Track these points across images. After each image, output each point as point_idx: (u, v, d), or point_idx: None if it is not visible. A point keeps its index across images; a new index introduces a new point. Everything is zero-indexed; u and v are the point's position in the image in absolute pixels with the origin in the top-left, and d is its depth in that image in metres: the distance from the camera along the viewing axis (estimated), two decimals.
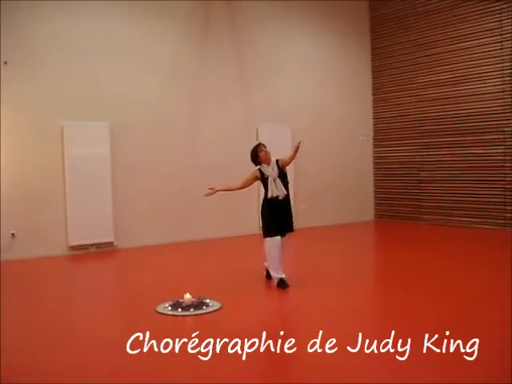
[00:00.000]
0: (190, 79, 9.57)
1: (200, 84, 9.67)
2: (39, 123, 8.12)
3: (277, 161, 5.92)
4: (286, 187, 5.95)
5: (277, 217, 5.93)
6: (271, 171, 5.86)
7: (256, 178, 5.99)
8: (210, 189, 6.01)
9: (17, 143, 7.91)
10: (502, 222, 9.84)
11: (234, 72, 10.09)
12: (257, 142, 6.18)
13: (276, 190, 5.87)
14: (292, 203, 6.14)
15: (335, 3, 11.46)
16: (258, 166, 5.94)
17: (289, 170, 9.90)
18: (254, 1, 10.31)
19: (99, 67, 8.58)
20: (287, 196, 5.97)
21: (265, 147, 5.93)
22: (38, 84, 8.11)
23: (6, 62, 7.75)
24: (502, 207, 9.84)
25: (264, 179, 5.93)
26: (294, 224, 6.08)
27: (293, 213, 6.10)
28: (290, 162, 5.98)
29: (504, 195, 9.79)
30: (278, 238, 5.89)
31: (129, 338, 4.31)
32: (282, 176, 5.94)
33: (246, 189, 6.15)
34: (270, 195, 5.89)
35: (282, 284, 5.86)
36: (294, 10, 10.84)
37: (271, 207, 5.94)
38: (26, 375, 3.59)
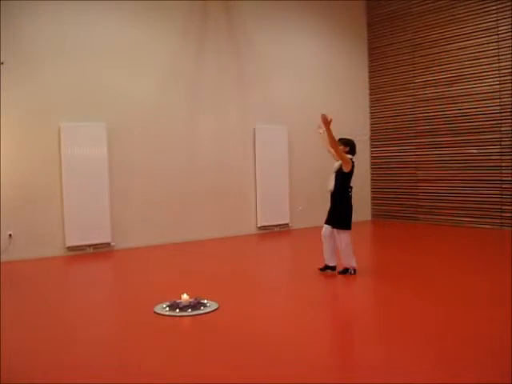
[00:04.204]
0: (187, 80, 9.57)
1: (197, 84, 9.66)
2: (36, 124, 8.10)
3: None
4: (337, 185, 6.20)
5: (329, 208, 6.40)
6: (335, 165, 6.29)
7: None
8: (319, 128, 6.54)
9: (14, 144, 7.89)
10: (499, 221, 9.86)
11: (231, 73, 10.09)
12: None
13: (328, 183, 6.30)
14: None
15: (332, 3, 11.47)
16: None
17: (284, 169, 9.98)
18: (252, 1, 10.32)
19: (96, 68, 8.57)
20: (332, 192, 6.27)
21: (338, 144, 6.23)
22: (35, 85, 8.09)
23: (2, 63, 7.73)
24: (499, 207, 9.86)
25: None
26: (337, 222, 6.26)
27: (339, 211, 6.27)
28: (341, 160, 6.13)
29: (501, 195, 9.81)
30: (324, 227, 6.39)
31: (127, 338, 4.32)
32: (339, 174, 6.21)
33: None
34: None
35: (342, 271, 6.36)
36: (291, 11, 10.85)
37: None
38: (25, 375, 3.58)
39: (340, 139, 6.30)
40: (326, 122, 6.01)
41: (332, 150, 6.31)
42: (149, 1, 9.06)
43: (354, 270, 6.33)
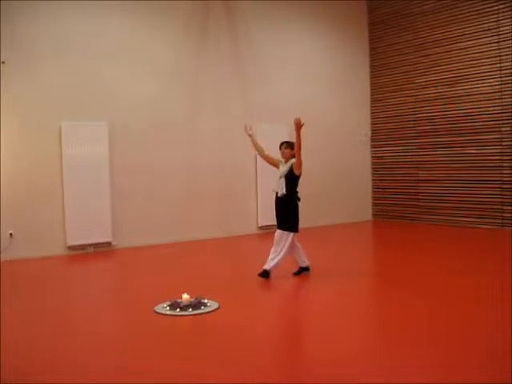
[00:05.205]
0: (188, 79, 9.57)
1: (198, 84, 9.67)
2: (37, 123, 8.11)
3: (292, 163, 6.16)
4: (289, 188, 6.12)
5: (276, 211, 6.30)
6: (281, 169, 6.21)
7: (276, 165, 6.35)
8: (249, 130, 6.48)
9: (15, 143, 7.90)
10: (499, 221, 9.86)
11: (232, 72, 10.09)
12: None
13: (278, 186, 6.21)
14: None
15: (333, 3, 11.47)
16: (281, 159, 6.32)
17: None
18: (253, 1, 10.32)
19: (97, 67, 8.58)
20: (285, 196, 6.15)
21: (285, 147, 6.24)
22: (36, 84, 8.10)
23: (3, 62, 7.73)
24: (499, 207, 9.86)
25: None
26: (287, 225, 6.17)
27: (290, 214, 6.19)
28: (298, 162, 6.09)
29: (501, 195, 9.81)
30: (277, 231, 6.23)
31: (127, 338, 4.33)
32: (290, 177, 6.12)
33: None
34: (272, 188, 6.33)
35: (263, 274, 6.20)
36: (292, 11, 10.84)
37: (275, 201, 6.32)
38: (26, 375, 3.58)
39: (287, 142, 6.29)
40: (299, 126, 5.96)
41: (266, 156, 6.44)
42: (150, 0, 9.06)
43: (268, 273, 6.19)
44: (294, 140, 6.11)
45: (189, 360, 3.79)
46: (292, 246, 6.27)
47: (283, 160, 6.27)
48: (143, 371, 3.59)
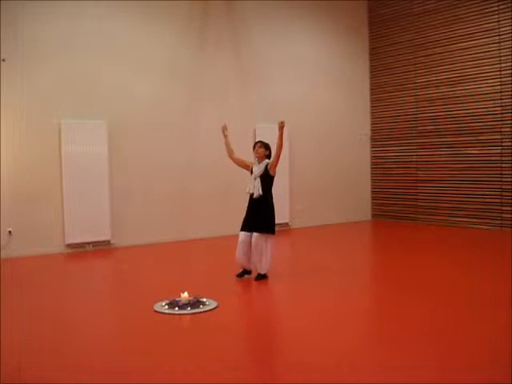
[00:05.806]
0: (187, 78, 9.56)
1: (197, 83, 9.66)
2: (37, 121, 8.09)
3: (267, 163, 6.10)
4: (265, 189, 6.03)
5: (248, 213, 6.16)
6: (256, 169, 6.10)
7: (247, 167, 6.29)
8: (225, 130, 6.49)
9: (14, 141, 7.88)
10: (499, 222, 9.86)
11: (231, 71, 10.08)
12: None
13: (253, 187, 6.05)
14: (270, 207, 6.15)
15: (334, 3, 11.46)
16: (253, 161, 6.25)
17: (285, 168, 9.92)
18: (253, 1, 10.30)
19: (97, 65, 8.56)
20: (261, 197, 6.03)
21: (259, 146, 6.17)
22: (36, 82, 8.08)
23: (4, 60, 7.72)
24: (498, 208, 9.86)
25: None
26: (266, 227, 6.02)
27: (268, 216, 6.08)
28: (276, 161, 6.06)
29: (501, 195, 9.81)
30: (242, 233, 6.11)
31: (126, 336, 4.32)
32: (266, 178, 6.06)
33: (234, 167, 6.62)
34: (247, 190, 6.13)
35: (259, 277, 6.12)
36: (293, 10, 10.83)
37: (248, 203, 6.19)
38: (25, 375, 3.57)
39: (262, 142, 6.23)
40: (282, 128, 5.95)
41: (237, 159, 6.41)
42: (149, 0, 9.06)
43: (264, 275, 6.15)
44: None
45: (187, 359, 3.78)
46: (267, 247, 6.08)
47: (256, 160, 6.19)
48: (142, 370, 3.59)
